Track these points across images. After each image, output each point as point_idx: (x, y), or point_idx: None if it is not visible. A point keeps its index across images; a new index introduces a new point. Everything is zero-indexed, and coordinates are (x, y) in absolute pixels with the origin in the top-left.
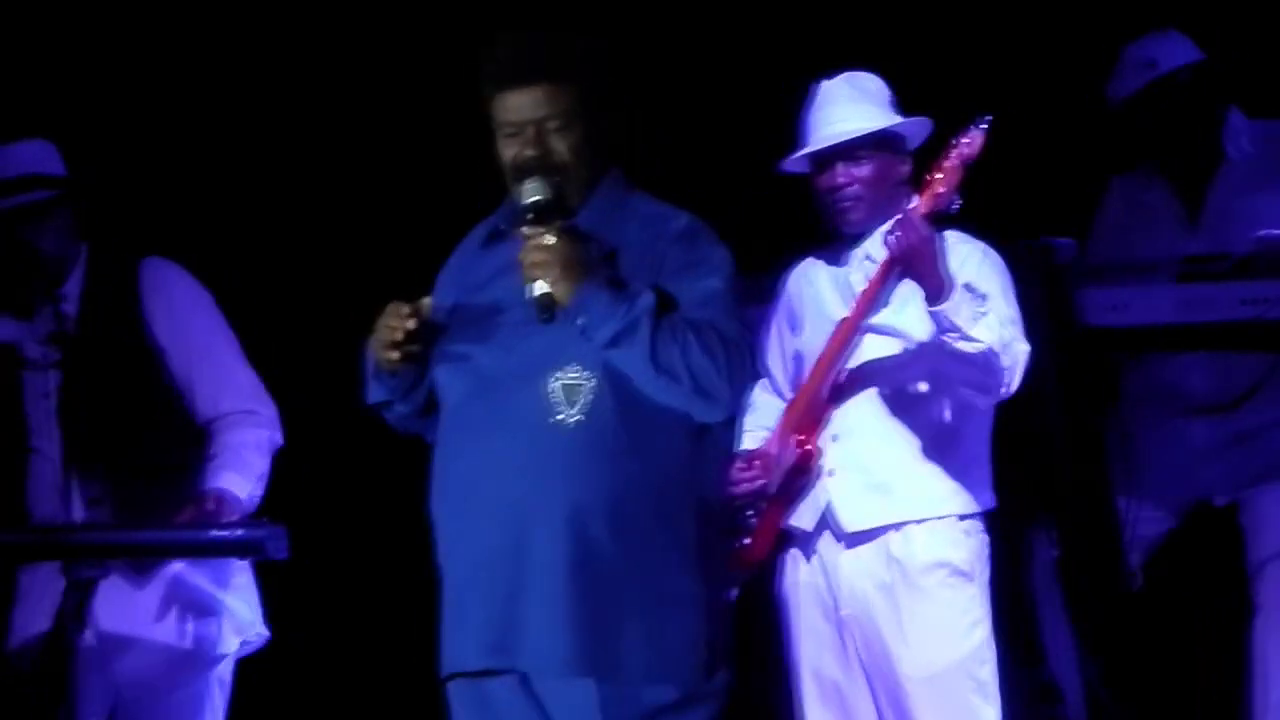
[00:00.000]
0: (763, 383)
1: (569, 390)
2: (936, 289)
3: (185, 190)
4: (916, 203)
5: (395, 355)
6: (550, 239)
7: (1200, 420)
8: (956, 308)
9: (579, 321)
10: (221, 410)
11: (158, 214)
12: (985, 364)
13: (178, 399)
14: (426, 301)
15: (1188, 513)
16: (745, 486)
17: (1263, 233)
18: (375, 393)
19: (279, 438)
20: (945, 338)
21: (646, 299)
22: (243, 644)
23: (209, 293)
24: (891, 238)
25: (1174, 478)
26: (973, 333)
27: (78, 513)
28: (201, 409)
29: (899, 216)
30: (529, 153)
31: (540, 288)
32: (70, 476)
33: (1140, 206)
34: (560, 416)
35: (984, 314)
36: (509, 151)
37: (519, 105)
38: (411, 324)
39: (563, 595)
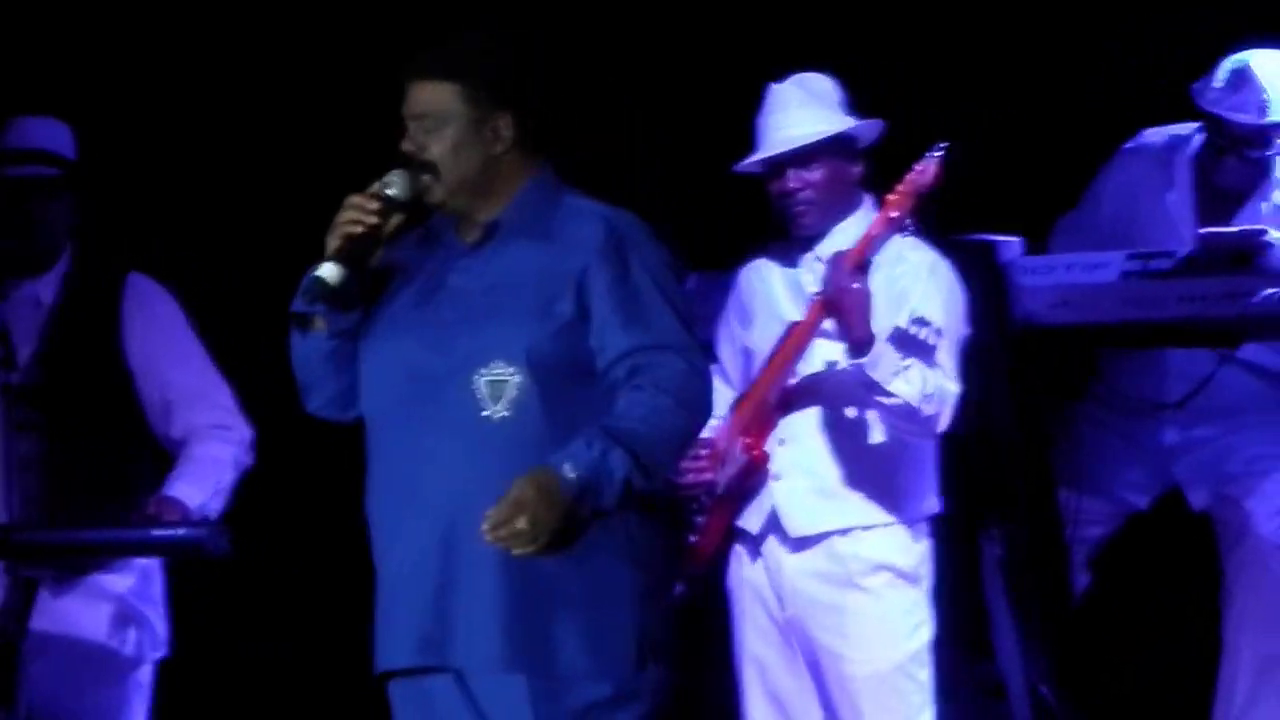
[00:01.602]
0: (713, 368)
1: (494, 386)
2: (856, 342)
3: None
4: (869, 227)
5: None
6: (520, 524)
7: (1150, 418)
8: (875, 363)
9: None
10: (195, 425)
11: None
12: (906, 415)
13: (140, 414)
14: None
15: (1140, 511)
16: (692, 478)
17: (1205, 230)
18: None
19: (247, 459)
20: (866, 389)
21: (616, 459)
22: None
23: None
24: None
25: (1125, 475)
26: (891, 388)
27: (18, 513)
28: (177, 423)
29: (831, 257)
30: (405, 147)
31: None
32: (13, 477)
33: (1157, 209)
34: (487, 413)
35: (906, 368)
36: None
37: (407, 99)
38: (374, 219)
39: (492, 590)
